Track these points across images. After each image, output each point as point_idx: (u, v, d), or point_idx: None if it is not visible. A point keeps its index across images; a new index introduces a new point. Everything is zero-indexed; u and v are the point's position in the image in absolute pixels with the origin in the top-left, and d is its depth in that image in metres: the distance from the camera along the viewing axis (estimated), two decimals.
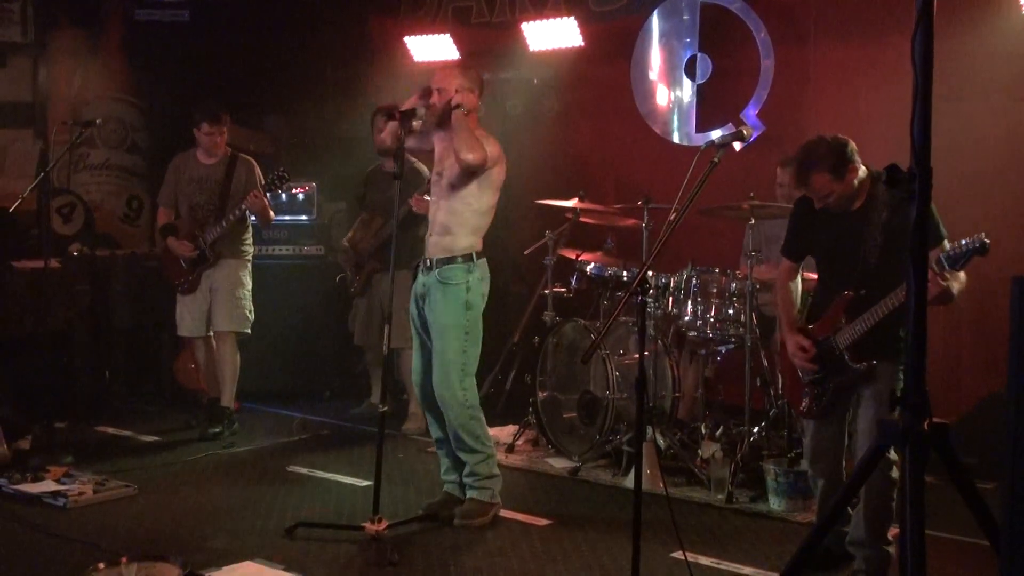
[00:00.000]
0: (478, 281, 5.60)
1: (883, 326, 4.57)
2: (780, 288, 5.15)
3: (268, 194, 7.39)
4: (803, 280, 5.29)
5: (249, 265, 7.59)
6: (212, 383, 7.67)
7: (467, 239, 5.59)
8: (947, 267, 4.24)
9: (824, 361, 4.81)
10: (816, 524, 4.90)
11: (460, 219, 5.57)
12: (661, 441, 6.56)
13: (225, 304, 7.44)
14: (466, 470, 5.69)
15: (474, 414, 5.65)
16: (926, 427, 2.80)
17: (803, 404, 4.95)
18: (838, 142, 4.68)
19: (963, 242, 4.19)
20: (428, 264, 5.63)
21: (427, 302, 5.63)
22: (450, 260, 5.56)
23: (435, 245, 5.62)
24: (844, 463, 5.02)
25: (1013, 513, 2.45)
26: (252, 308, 7.55)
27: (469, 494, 5.68)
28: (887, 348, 4.63)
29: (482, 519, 5.60)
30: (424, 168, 7.15)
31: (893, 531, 4.69)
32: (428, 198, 6.33)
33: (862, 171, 4.73)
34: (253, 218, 7.52)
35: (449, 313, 5.53)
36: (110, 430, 7.73)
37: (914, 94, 2.79)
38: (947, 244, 4.40)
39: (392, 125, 5.96)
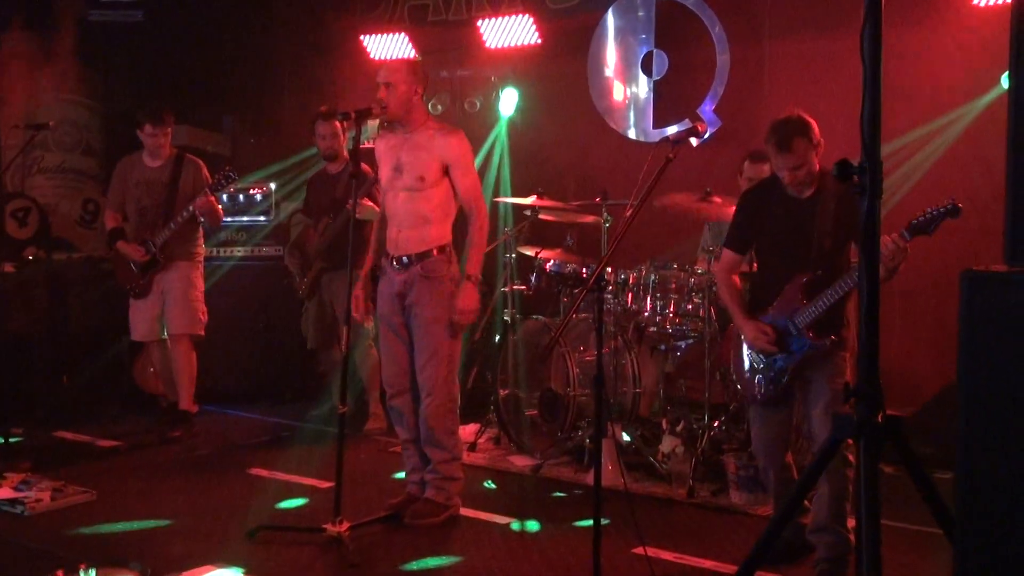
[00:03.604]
0: (456, 272, 5.63)
1: (839, 303, 4.72)
2: (724, 282, 5.19)
3: (224, 195, 7.33)
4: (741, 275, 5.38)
5: (201, 267, 7.55)
6: (170, 387, 7.61)
7: (441, 228, 5.59)
8: (917, 233, 4.42)
9: (783, 343, 4.88)
10: (775, 516, 4.93)
11: (437, 204, 5.56)
12: (624, 437, 6.57)
13: (178, 307, 7.38)
14: (430, 466, 5.68)
15: (454, 408, 5.68)
16: (880, 419, 2.83)
17: (758, 390, 4.98)
18: (810, 119, 4.82)
19: (930, 209, 4.34)
20: (404, 261, 5.59)
21: (409, 298, 5.59)
22: (429, 253, 5.54)
23: (408, 240, 5.57)
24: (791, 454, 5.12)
25: (965, 503, 2.47)
26: (205, 310, 7.51)
27: (427, 492, 5.66)
28: (838, 326, 4.78)
29: (432, 520, 5.57)
30: (370, 169, 7.13)
31: (851, 522, 4.72)
32: (366, 202, 6.38)
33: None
34: (203, 219, 7.46)
35: (438, 307, 5.52)
36: (68, 435, 7.65)
37: (863, 88, 2.81)
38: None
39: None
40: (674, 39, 8.33)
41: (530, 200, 7.21)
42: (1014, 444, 2.38)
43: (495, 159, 8.91)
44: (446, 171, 5.54)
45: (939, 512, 2.91)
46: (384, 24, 9.56)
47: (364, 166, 7.07)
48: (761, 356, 4.96)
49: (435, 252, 5.55)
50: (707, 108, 8.11)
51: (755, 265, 5.49)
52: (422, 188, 5.51)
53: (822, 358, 4.79)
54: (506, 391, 7.19)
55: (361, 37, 9.48)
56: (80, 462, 6.93)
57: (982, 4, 6.84)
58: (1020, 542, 2.37)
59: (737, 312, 5.08)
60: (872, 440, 2.81)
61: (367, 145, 8.65)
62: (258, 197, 8.77)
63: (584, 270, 6.90)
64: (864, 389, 2.83)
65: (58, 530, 5.50)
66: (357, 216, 6.54)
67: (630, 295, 6.79)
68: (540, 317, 7.15)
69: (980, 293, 2.42)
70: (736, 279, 5.22)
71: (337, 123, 7.46)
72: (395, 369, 5.71)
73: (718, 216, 6.53)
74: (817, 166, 4.79)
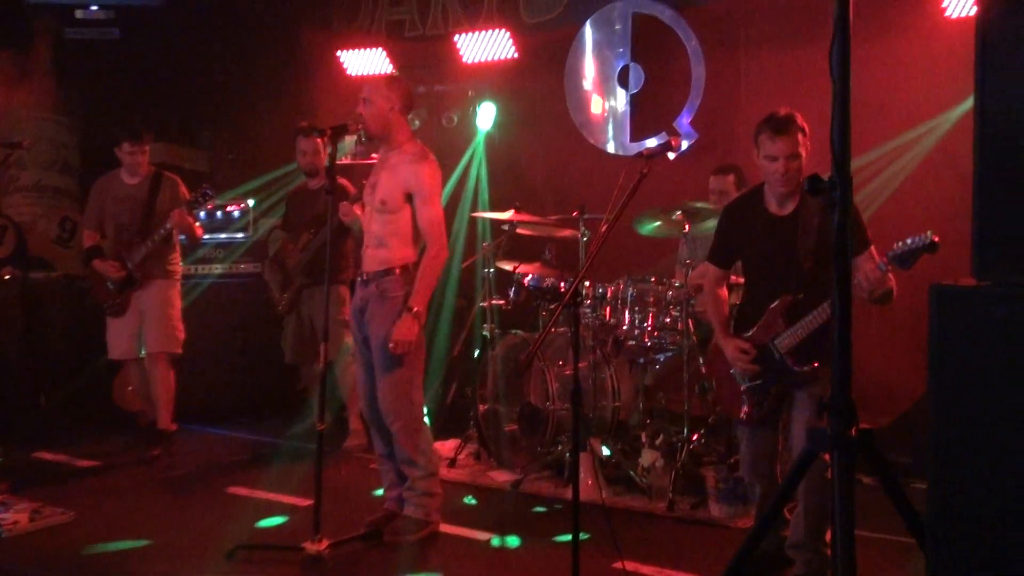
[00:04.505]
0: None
1: (823, 329, 4.61)
2: (710, 296, 5.17)
3: (202, 212, 7.31)
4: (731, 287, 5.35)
5: (178, 284, 7.52)
6: (149, 405, 7.57)
7: (403, 250, 5.53)
8: (895, 265, 4.34)
9: (764, 365, 4.85)
10: (753, 528, 4.93)
11: (395, 229, 5.51)
12: (603, 451, 6.58)
13: (155, 325, 7.35)
14: (407, 483, 5.66)
15: (419, 427, 5.63)
16: (854, 433, 2.84)
17: (743, 411, 4.96)
18: None
19: (909, 240, 4.29)
20: (365, 278, 5.59)
21: (366, 316, 5.58)
22: (388, 272, 5.51)
23: (371, 258, 5.56)
24: (778, 466, 5.08)
25: (937, 512, 2.49)
26: (183, 328, 7.48)
27: (405, 509, 5.65)
28: (826, 351, 4.67)
29: (412, 536, 5.55)
30: (349, 184, 7.15)
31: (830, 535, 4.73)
32: (357, 210, 6.40)
33: None
34: (182, 237, 7.44)
35: (390, 326, 5.45)
36: (46, 455, 7.60)
37: (833, 103, 2.82)
38: (874, 249, 4.54)
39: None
40: (651, 53, 8.36)
41: (508, 214, 7.21)
42: (983, 455, 2.40)
43: (472, 174, 8.91)
44: (409, 199, 5.49)
45: (912, 522, 2.92)
46: (361, 39, 9.57)
47: (343, 181, 7.10)
48: (745, 377, 4.95)
49: (397, 271, 5.50)
50: (684, 121, 8.14)
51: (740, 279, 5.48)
52: (384, 211, 5.49)
53: (813, 377, 4.74)
54: (486, 406, 7.19)
55: (338, 52, 9.49)
56: (58, 482, 6.89)
57: (954, 16, 6.88)
58: (990, 550, 2.39)
59: (719, 328, 5.06)
60: (846, 453, 2.82)
61: (344, 161, 8.67)
62: (236, 214, 8.75)
63: (562, 284, 6.90)
64: (837, 403, 2.84)
65: (36, 552, 5.46)
66: (344, 220, 6.56)
67: (608, 309, 6.80)
68: (519, 332, 7.16)
69: (949, 307, 2.44)
70: (724, 292, 5.22)
71: (318, 139, 7.44)
72: (365, 383, 5.71)
73: (694, 229, 6.56)
74: (803, 166, 4.73)
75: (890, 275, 4.44)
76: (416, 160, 5.52)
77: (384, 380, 5.51)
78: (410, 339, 5.41)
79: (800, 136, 4.69)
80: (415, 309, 5.41)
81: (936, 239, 4.25)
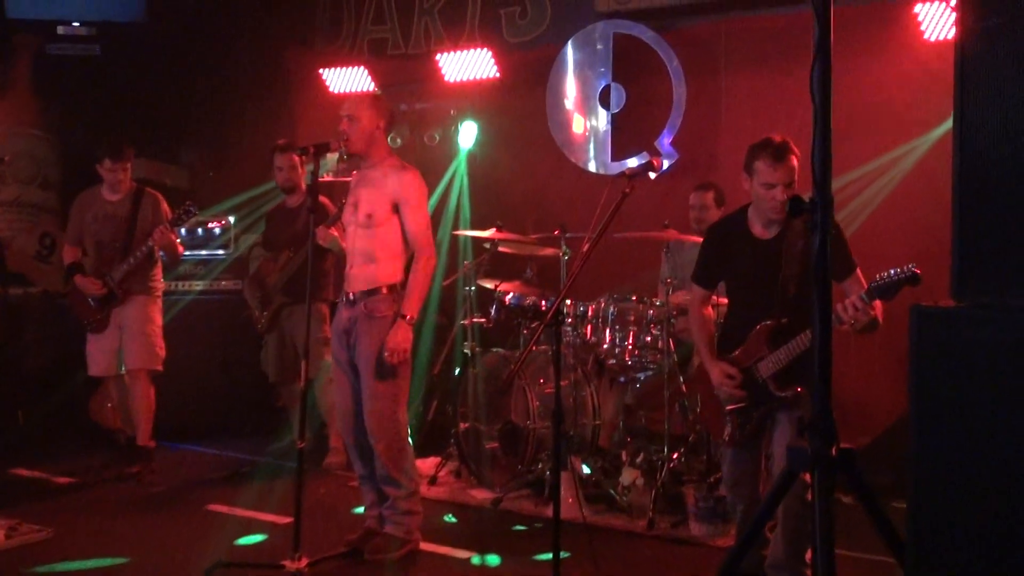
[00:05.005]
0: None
1: (807, 354, 4.59)
2: (695, 316, 5.18)
3: (182, 229, 7.29)
4: (715, 306, 5.36)
5: (159, 301, 7.49)
6: (128, 422, 7.54)
7: (390, 267, 5.53)
8: (876, 297, 4.36)
9: (748, 389, 4.85)
10: (733, 547, 4.94)
11: (383, 243, 5.52)
12: (584, 469, 6.58)
13: (136, 342, 7.31)
14: (387, 502, 5.64)
15: (403, 447, 5.61)
16: (834, 452, 2.86)
17: (726, 432, 4.97)
18: None
19: (892, 272, 4.30)
20: (351, 298, 5.57)
21: (353, 336, 5.57)
22: (375, 291, 5.50)
23: (357, 277, 5.54)
24: (761, 486, 5.08)
25: (916, 530, 2.50)
26: (163, 344, 7.44)
27: (386, 528, 5.63)
28: (809, 376, 4.68)
29: (392, 554, 5.53)
30: (329, 203, 7.15)
31: (810, 554, 4.73)
32: (334, 232, 6.41)
33: None
34: (162, 254, 7.42)
35: (379, 346, 5.45)
36: (24, 472, 7.56)
37: (813, 125, 2.85)
38: (859, 272, 4.57)
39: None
40: (632, 72, 8.39)
41: (489, 233, 7.22)
42: (963, 475, 2.41)
43: (454, 192, 8.93)
44: (396, 209, 5.51)
45: (892, 541, 2.94)
46: (343, 57, 9.59)
47: (323, 199, 7.09)
48: (729, 399, 4.95)
49: (384, 290, 5.50)
50: (665, 141, 8.17)
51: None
52: (371, 226, 5.49)
53: (795, 401, 4.76)
54: (466, 424, 7.19)
55: (320, 70, 9.51)
56: (36, 499, 6.85)
57: (932, 39, 6.94)
58: (969, 569, 2.41)
59: (704, 350, 5.06)
60: (826, 472, 2.84)
61: (325, 178, 8.67)
62: (217, 230, 8.73)
63: (543, 302, 6.91)
64: (817, 423, 2.86)
65: (13, 570, 5.42)
66: (322, 244, 6.55)
67: (589, 327, 6.81)
68: (500, 350, 7.17)
69: (928, 328, 2.47)
70: (709, 311, 5.23)
71: (295, 156, 7.43)
72: (345, 405, 5.68)
73: (675, 247, 6.59)
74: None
75: (877, 303, 4.46)
76: (400, 170, 5.55)
77: (371, 399, 5.50)
78: (405, 347, 5.42)
79: (795, 162, 4.72)
80: (408, 316, 5.42)
81: (918, 271, 4.27)
